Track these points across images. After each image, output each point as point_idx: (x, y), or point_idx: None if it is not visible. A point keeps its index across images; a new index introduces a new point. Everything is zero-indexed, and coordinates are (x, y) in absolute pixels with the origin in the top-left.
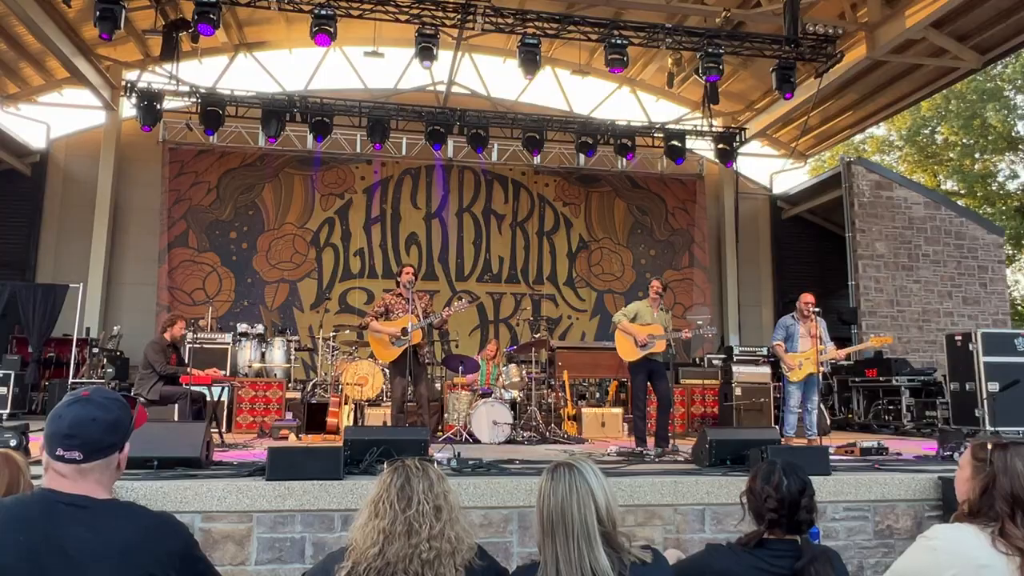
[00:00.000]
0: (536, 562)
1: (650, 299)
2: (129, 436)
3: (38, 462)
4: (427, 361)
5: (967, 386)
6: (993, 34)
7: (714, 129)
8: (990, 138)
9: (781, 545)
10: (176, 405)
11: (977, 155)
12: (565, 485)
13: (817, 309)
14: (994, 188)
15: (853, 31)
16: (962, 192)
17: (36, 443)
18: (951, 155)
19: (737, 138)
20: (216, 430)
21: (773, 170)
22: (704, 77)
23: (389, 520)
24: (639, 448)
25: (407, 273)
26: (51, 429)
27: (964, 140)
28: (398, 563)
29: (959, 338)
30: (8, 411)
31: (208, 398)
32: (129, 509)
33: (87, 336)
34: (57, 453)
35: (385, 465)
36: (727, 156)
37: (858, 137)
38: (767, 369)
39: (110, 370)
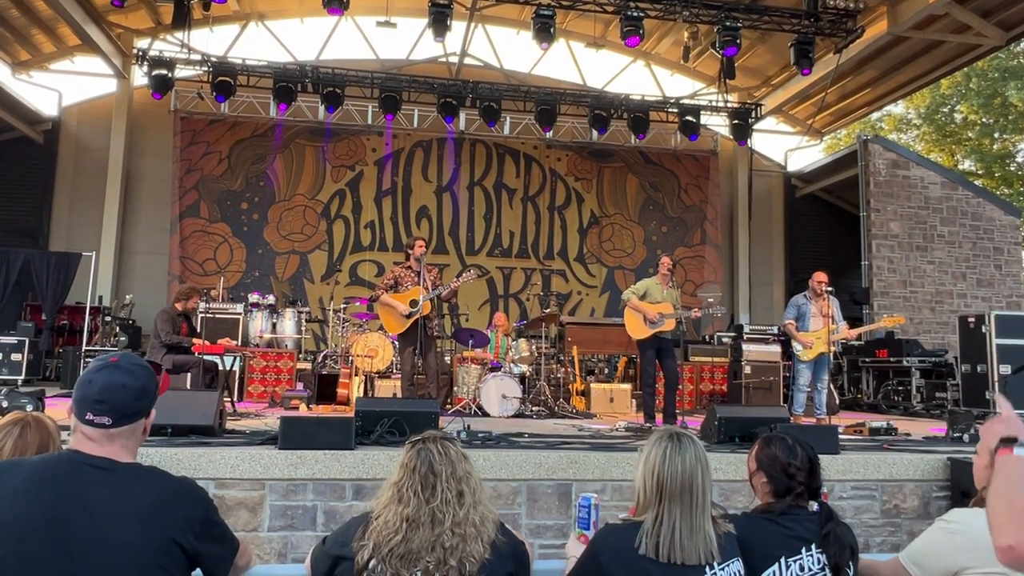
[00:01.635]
0: (628, 523)
1: (660, 276)
2: (155, 403)
3: (66, 427)
4: (436, 334)
5: (979, 368)
6: (1018, 10)
7: (729, 105)
8: (1011, 118)
9: (799, 514)
10: (189, 374)
11: (997, 135)
12: (692, 455)
13: (830, 288)
14: (1013, 169)
15: (874, 5)
16: (980, 172)
17: (51, 409)
18: (970, 134)
19: (753, 114)
20: (228, 399)
21: (788, 147)
22: (721, 51)
23: (413, 508)
24: (648, 424)
25: (419, 246)
26: (81, 394)
27: (984, 119)
28: (421, 551)
29: (972, 320)
30: (23, 377)
31: (220, 367)
32: (151, 473)
33: (100, 304)
34: (87, 417)
35: (407, 443)
36: (742, 133)
37: (875, 115)
38: (777, 348)
39: (123, 338)
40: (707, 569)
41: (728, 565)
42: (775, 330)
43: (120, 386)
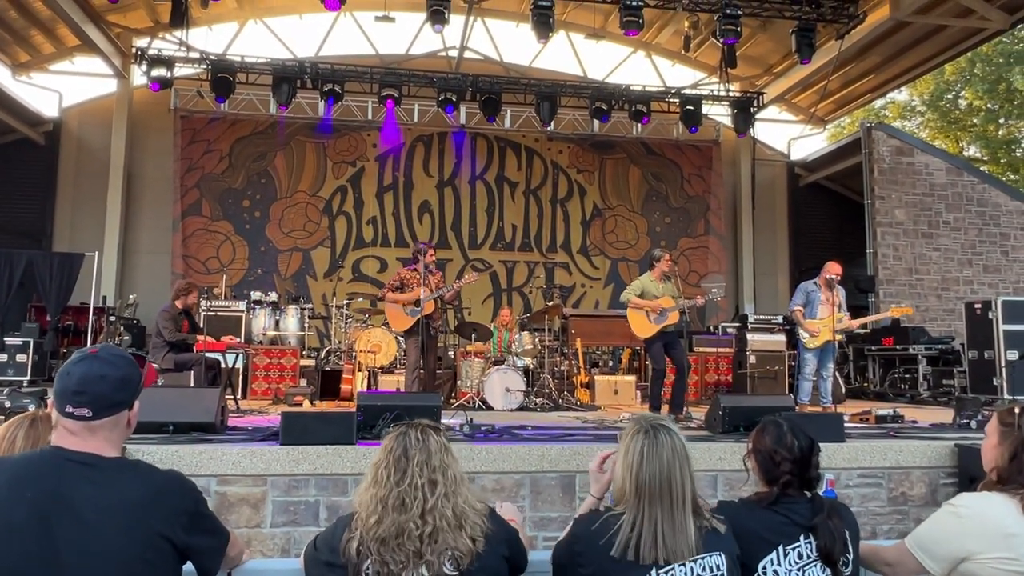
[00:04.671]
0: (607, 516)
1: (656, 272)
2: (138, 394)
3: None
4: (441, 330)
5: (986, 354)
6: None
7: (731, 94)
8: (1016, 103)
9: (795, 502)
10: (192, 371)
11: (1002, 120)
12: (669, 450)
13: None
14: (1018, 154)
15: None
16: (985, 158)
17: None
18: (975, 120)
19: (755, 103)
20: (231, 396)
21: (791, 136)
22: (722, 40)
23: (385, 491)
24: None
25: (430, 256)
26: (60, 386)
27: (988, 105)
28: (398, 537)
29: (979, 306)
30: (28, 378)
31: (223, 365)
32: (136, 467)
33: (104, 304)
34: (67, 410)
35: (391, 428)
36: (744, 122)
37: (879, 102)
38: (782, 337)
39: (127, 338)
40: (676, 566)
41: (703, 559)
42: (780, 319)
43: (99, 377)
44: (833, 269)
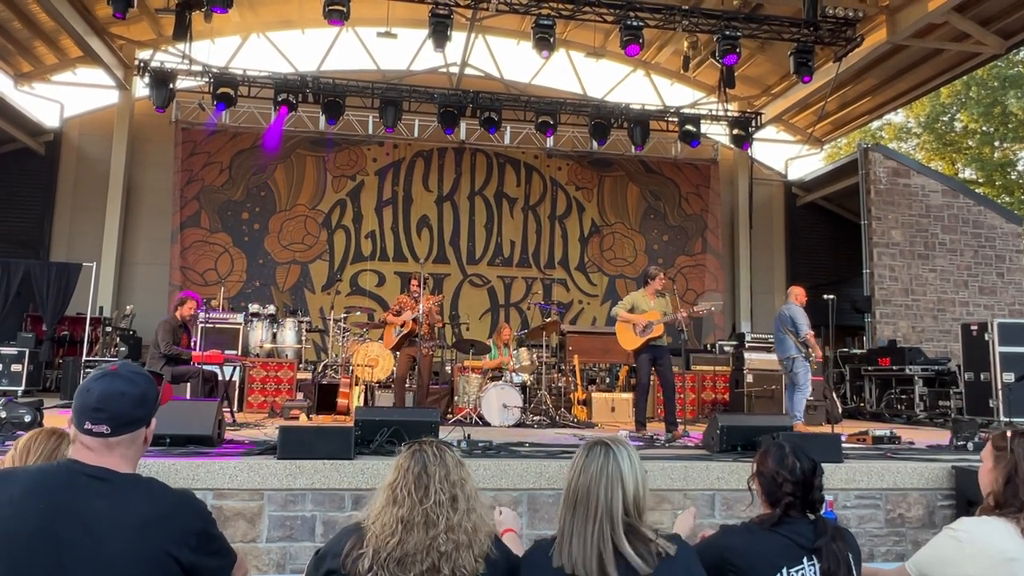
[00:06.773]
0: (553, 537)
1: (649, 289)
2: (155, 411)
3: None
4: (423, 344)
5: (982, 376)
6: (1017, 18)
7: (729, 114)
8: (1010, 126)
9: (798, 524)
10: (188, 384)
11: (997, 143)
12: (597, 465)
13: None
14: (1013, 177)
15: (873, 14)
16: (980, 181)
17: (50, 419)
18: (970, 143)
19: (753, 123)
20: (228, 409)
21: (788, 156)
22: (720, 60)
23: (407, 509)
24: (640, 431)
25: (415, 286)
26: (80, 402)
27: (984, 128)
28: (416, 554)
29: (975, 328)
30: (23, 388)
31: (220, 377)
32: (149, 485)
33: (100, 315)
34: (85, 426)
35: (403, 446)
36: (742, 142)
37: (875, 124)
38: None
39: (123, 349)
40: None
41: None
42: None
43: (119, 394)
44: (804, 294)
